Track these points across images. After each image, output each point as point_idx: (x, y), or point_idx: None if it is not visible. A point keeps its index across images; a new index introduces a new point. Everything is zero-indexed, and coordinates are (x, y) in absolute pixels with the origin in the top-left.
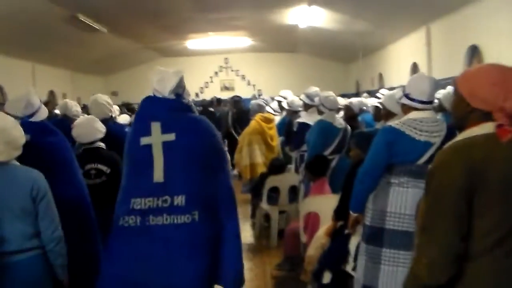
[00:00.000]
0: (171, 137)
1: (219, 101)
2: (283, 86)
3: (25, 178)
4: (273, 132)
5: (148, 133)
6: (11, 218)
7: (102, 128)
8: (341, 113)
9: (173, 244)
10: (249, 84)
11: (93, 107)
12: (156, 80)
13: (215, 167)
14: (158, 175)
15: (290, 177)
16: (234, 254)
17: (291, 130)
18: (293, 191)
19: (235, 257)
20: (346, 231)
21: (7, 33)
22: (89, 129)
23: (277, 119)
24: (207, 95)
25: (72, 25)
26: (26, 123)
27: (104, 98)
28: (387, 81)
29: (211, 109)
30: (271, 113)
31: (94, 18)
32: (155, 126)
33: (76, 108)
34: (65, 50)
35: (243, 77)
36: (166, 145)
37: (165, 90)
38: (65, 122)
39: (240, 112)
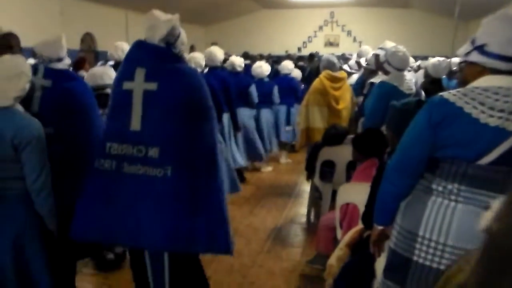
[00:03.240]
0: (153, 86)
1: (311, 56)
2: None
3: (9, 126)
4: (341, 93)
5: (131, 78)
6: None
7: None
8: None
9: (143, 196)
10: (355, 40)
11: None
12: (147, 27)
13: (196, 123)
14: (135, 123)
15: (349, 151)
16: (214, 214)
17: (362, 93)
18: (353, 168)
19: (216, 218)
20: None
21: None
22: (99, 75)
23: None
24: (310, 50)
25: None
26: (49, 70)
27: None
28: None
29: (302, 63)
30: (346, 71)
31: None
32: (140, 72)
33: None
34: None
35: (349, 33)
36: (147, 93)
37: (155, 37)
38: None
39: (314, 69)
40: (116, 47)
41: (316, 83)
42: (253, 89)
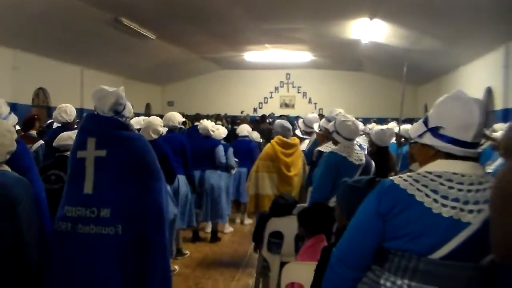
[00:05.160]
0: (102, 153)
1: (263, 117)
2: (346, 106)
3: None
4: (293, 159)
5: (84, 147)
6: None
7: None
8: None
9: (97, 252)
10: (310, 102)
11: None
12: (96, 98)
13: (144, 184)
14: (88, 187)
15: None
16: (160, 266)
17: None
18: (302, 239)
19: (162, 268)
20: None
21: (52, 37)
22: (67, 140)
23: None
24: (266, 112)
25: (116, 29)
26: None
27: None
28: None
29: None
30: (298, 136)
31: (138, 22)
32: (91, 142)
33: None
34: (114, 55)
35: (304, 95)
36: (97, 160)
37: (105, 107)
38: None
39: (266, 132)
40: (59, 109)
41: (267, 148)
42: (219, 149)
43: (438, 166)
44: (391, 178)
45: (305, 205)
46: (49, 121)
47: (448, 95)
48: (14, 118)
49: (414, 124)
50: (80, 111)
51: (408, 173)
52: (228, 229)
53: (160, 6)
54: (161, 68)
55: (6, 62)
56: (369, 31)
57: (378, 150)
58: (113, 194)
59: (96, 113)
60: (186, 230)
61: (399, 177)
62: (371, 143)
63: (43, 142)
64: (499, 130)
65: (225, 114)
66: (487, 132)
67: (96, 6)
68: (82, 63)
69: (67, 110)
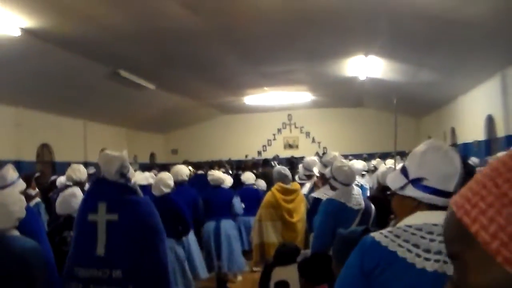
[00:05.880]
0: (114, 217)
1: (265, 162)
2: (349, 143)
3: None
4: (295, 205)
5: (95, 210)
6: None
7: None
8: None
9: None
10: (313, 141)
11: None
12: (102, 163)
13: (151, 246)
14: (100, 249)
15: None
16: None
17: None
18: None
19: None
20: None
21: (53, 92)
22: (68, 203)
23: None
24: (270, 154)
25: (116, 81)
26: None
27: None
28: (460, 136)
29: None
30: (298, 182)
31: (137, 74)
32: (102, 206)
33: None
34: (116, 107)
35: (308, 134)
36: (109, 223)
37: (111, 171)
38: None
39: (268, 177)
40: (73, 168)
41: (268, 196)
42: (236, 201)
43: (418, 218)
44: (372, 234)
45: (309, 251)
46: (54, 177)
47: (428, 146)
48: (22, 184)
49: (391, 174)
50: (84, 164)
51: (389, 228)
52: (238, 277)
53: (158, 56)
54: (163, 117)
55: (9, 120)
56: (365, 67)
57: (382, 189)
58: (124, 256)
59: (102, 176)
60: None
61: (380, 233)
62: (378, 181)
63: (40, 200)
64: None
65: (229, 158)
66: (491, 160)
67: (95, 60)
68: (84, 116)
69: (80, 169)
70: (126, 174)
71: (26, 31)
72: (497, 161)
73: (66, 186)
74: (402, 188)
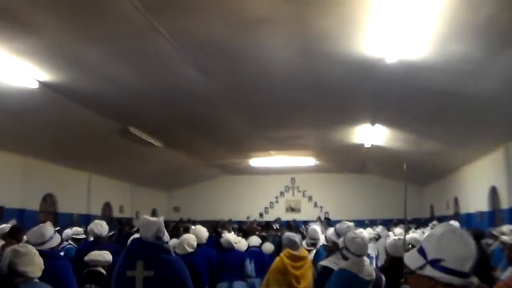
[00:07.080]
0: (150, 273)
1: (268, 225)
2: (351, 209)
3: None
4: (302, 272)
5: (133, 267)
6: None
7: (107, 257)
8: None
9: None
10: (316, 205)
11: None
12: (142, 226)
13: None
14: None
15: None
16: None
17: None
18: None
19: None
20: None
21: (62, 144)
22: (98, 257)
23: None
24: (272, 216)
25: (124, 137)
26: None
27: None
28: (463, 206)
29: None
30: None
31: (146, 131)
32: (139, 264)
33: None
34: (122, 162)
35: (310, 198)
36: (146, 279)
37: (148, 234)
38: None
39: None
40: (96, 223)
41: (276, 261)
42: (248, 263)
43: None
44: None
45: None
46: (56, 228)
47: (445, 228)
48: (58, 238)
49: (408, 253)
50: (87, 217)
51: None
52: None
53: (167, 116)
54: (167, 174)
55: (18, 169)
56: (371, 135)
57: (392, 261)
58: None
59: (139, 237)
60: None
61: None
62: (386, 252)
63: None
64: (507, 232)
65: (230, 219)
66: (495, 232)
67: (105, 116)
68: (90, 169)
69: (103, 225)
70: (162, 237)
71: (43, 84)
72: None
73: (73, 239)
74: (421, 268)
